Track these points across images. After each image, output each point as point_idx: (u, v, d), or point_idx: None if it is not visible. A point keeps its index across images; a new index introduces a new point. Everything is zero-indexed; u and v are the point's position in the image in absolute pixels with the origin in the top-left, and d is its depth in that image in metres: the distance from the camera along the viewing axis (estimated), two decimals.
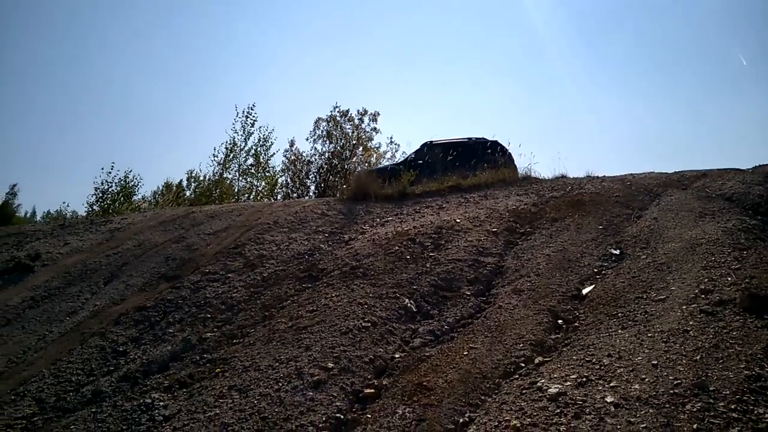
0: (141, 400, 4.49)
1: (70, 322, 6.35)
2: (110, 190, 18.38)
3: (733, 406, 3.11)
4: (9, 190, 26.85)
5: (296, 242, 7.82)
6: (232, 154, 20.91)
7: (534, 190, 9.23)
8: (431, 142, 13.41)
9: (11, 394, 5.05)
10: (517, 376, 4.03)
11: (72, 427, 4.35)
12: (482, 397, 3.83)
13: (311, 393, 4.18)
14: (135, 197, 18.54)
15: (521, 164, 10.63)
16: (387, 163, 14.12)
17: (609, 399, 3.34)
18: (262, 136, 21.49)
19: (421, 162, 12.34)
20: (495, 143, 14.35)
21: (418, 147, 13.54)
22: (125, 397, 4.63)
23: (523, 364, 4.20)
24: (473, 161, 12.67)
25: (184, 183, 22.22)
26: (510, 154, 13.93)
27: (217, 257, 7.57)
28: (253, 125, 21.43)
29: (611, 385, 3.51)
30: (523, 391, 3.73)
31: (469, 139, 13.86)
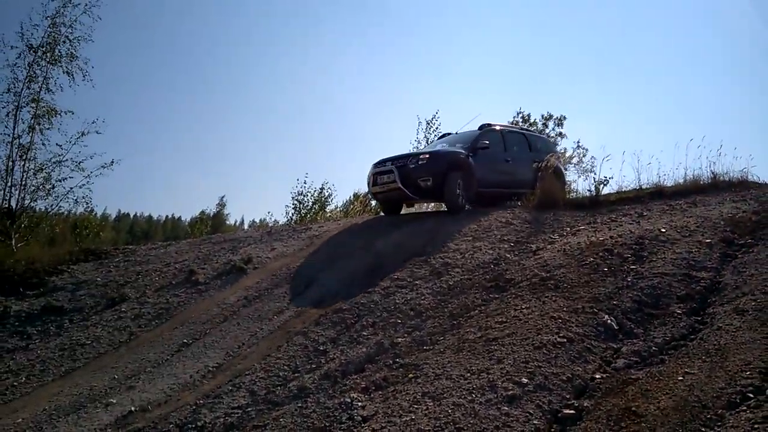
0: (341, 399, 4.73)
1: (277, 320, 6.95)
2: (306, 200, 20.01)
3: None
4: (219, 201, 30.86)
5: (480, 251, 7.72)
6: None
7: (753, 196, 8.08)
8: (489, 125, 11.44)
9: (228, 384, 5.64)
10: (744, 408, 3.51)
11: (281, 419, 4.71)
12: (702, 429, 3.39)
13: (506, 407, 4.06)
14: (329, 207, 19.98)
15: (735, 167, 9.33)
16: (439, 147, 11.19)
17: None
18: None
19: (486, 147, 10.57)
20: (546, 140, 13.03)
21: (475, 130, 11.42)
22: (327, 395, 4.92)
23: (751, 395, 3.64)
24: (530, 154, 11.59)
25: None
26: (559, 155, 12.58)
27: (404, 264, 7.76)
28: (435, 134, 21.78)
29: None
30: (755, 426, 3.22)
31: (523, 129, 12.67)
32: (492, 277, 6.74)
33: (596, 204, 9.23)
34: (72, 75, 12.45)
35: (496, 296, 6.20)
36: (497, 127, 11.55)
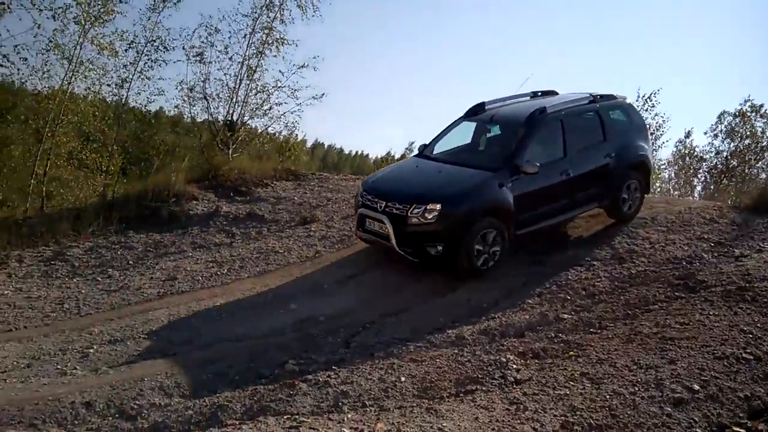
0: (497, 357, 4.85)
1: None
2: None
3: None
4: (407, 146, 32.15)
5: (674, 245, 7.19)
6: None
7: None
8: (544, 111, 7.01)
9: (392, 317, 6.08)
10: None
11: (437, 360, 4.94)
12: None
13: (669, 409, 3.87)
14: None
15: None
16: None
17: None
18: (655, 124, 19.85)
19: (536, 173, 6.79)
20: (629, 108, 8.21)
21: (520, 119, 7.15)
22: (483, 350, 5.06)
23: None
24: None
25: None
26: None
27: (583, 243, 7.52)
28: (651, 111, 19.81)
29: None
30: None
31: (595, 100, 7.55)
32: (681, 274, 6.27)
33: None
34: (304, 9, 13.47)
35: (682, 296, 5.78)
36: (557, 111, 7.16)
